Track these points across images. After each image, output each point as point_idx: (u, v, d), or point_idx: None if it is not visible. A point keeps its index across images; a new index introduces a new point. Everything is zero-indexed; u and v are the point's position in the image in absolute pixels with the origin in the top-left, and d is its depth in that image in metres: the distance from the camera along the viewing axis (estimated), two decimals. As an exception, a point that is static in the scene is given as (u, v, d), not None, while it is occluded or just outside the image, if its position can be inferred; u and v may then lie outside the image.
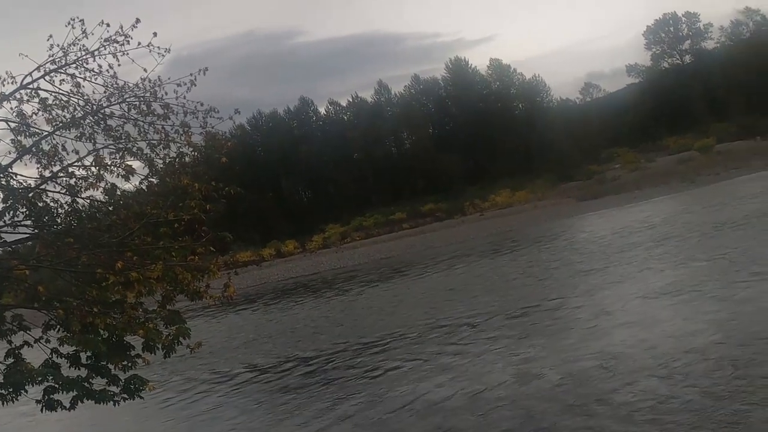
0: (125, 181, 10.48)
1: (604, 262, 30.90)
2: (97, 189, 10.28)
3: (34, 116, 10.41)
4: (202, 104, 10.67)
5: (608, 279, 26.70)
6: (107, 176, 10.27)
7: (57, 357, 10.05)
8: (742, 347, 14.34)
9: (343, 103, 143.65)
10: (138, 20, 10.21)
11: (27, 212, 10.44)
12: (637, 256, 30.36)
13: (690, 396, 12.50)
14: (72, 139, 10.49)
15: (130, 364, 10.19)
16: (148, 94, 10.50)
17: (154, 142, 10.65)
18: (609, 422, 12.35)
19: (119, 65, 10.37)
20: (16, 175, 10.31)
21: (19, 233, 10.63)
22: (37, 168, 10.46)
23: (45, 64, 10.27)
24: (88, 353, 9.92)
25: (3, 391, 9.59)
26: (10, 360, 9.78)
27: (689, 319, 17.73)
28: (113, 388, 10.35)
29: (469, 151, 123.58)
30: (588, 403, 13.40)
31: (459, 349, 20.50)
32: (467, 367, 18.31)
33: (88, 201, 10.70)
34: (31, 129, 10.40)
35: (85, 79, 10.36)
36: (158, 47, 10.28)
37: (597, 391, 13.96)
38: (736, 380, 12.67)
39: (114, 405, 10.37)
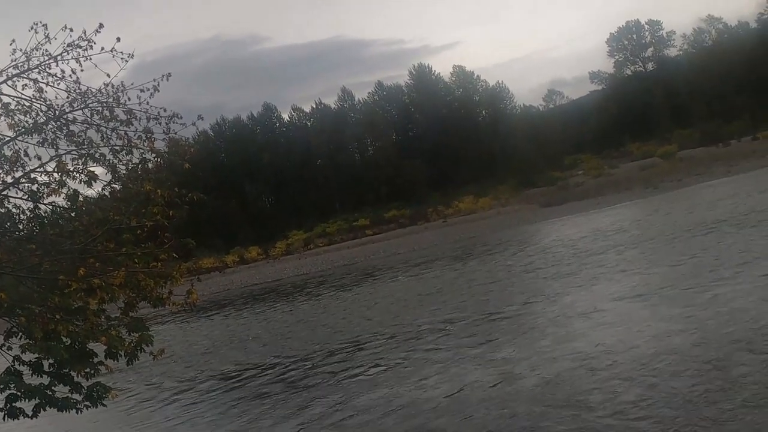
0: (88, 187, 10.39)
1: (571, 266, 31.06)
2: (60, 195, 10.23)
3: (-5, 121, 10.33)
4: (165, 110, 10.63)
5: (577, 282, 26.80)
6: (69, 182, 10.21)
7: (19, 364, 9.97)
8: (717, 348, 14.51)
9: (307, 110, 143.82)
10: (101, 25, 10.17)
11: (-12, 218, 10.37)
12: (605, 260, 30.54)
13: (669, 396, 12.66)
14: (34, 144, 10.42)
15: (92, 372, 10.13)
16: (111, 100, 10.45)
17: (117, 147, 10.59)
18: (591, 421, 12.43)
19: (82, 70, 10.32)
20: (-23, 180, 10.22)
21: (-20, 240, 10.55)
22: (-1, 173, 10.39)
23: (7, 69, 10.19)
24: (51, 360, 9.87)
25: (-36, 399, 9.51)
26: (-28, 368, 9.72)
27: (663, 320, 17.89)
28: (76, 396, 10.28)
29: (432, 157, 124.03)
30: (568, 404, 13.51)
31: (433, 351, 20.51)
32: (444, 369, 18.30)
33: (51, 207, 10.64)
34: (-7, 134, 10.32)
35: (47, 84, 10.30)
36: (121, 52, 10.24)
37: (575, 392, 14.05)
38: (716, 381, 12.84)
39: (77, 413, 10.29)
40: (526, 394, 14.70)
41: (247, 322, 38.00)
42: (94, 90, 10.49)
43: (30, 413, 9.96)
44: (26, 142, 10.41)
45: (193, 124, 11.03)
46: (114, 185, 11.04)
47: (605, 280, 25.99)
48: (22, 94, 10.31)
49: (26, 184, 10.34)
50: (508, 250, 43.89)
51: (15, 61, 10.19)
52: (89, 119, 10.52)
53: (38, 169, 10.35)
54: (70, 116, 10.52)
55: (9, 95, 10.27)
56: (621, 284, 24.27)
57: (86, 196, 10.77)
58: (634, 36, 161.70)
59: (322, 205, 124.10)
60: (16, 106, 10.29)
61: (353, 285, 44.06)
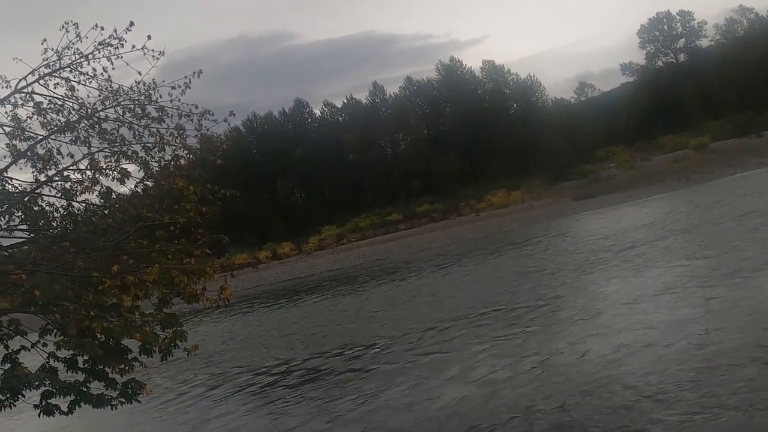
0: (120, 184, 10.46)
1: (604, 260, 30.87)
2: (93, 192, 10.27)
3: (28, 120, 10.39)
4: (196, 107, 10.68)
5: (609, 276, 26.71)
6: (102, 180, 10.27)
7: (54, 361, 10.06)
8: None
9: (338, 105, 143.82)
10: (132, 23, 10.21)
11: (23, 216, 10.47)
12: (638, 254, 30.23)
13: (688, 393, 12.55)
14: (67, 142, 10.49)
15: (127, 368, 10.21)
16: (142, 97, 10.51)
17: (149, 145, 10.65)
18: (606, 420, 12.34)
19: (113, 68, 10.37)
20: (11, 179, 10.30)
21: (15, 237, 10.65)
22: (33, 172, 10.47)
23: (39, 68, 10.27)
24: (85, 357, 9.92)
25: (1, 396, 9.58)
26: (7, 365, 9.79)
27: (696, 317, 17.69)
28: (111, 392, 10.37)
29: (464, 151, 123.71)
30: (583, 401, 13.50)
31: (462, 347, 20.53)
32: (468, 365, 18.28)
33: (84, 205, 10.71)
34: (26, 133, 10.38)
35: (79, 82, 10.36)
36: (152, 50, 10.30)
37: (595, 387, 13.99)
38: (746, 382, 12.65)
39: (111, 409, 10.36)
40: (541, 391, 14.77)
41: (281, 317, 38.16)
42: (125, 88, 10.57)
43: (66, 410, 10.05)
44: (59, 140, 10.49)
45: (225, 120, 11.07)
46: (147, 182, 11.13)
47: (644, 272, 25.83)
48: (54, 92, 10.40)
49: (59, 182, 10.42)
50: (539, 245, 43.78)
51: (47, 60, 10.26)
52: (121, 117, 10.59)
53: (71, 167, 10.43)
54: (102, 114, 10.60)
55: (42, 94, 10.36)
56: (662, 277, 24.00)
57: (119, 194, 10.85)
58: (665, 27, 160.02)
59: (354, 200, 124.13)
60: (48, 104, 10.38)
61: (384, 280, 44.13)
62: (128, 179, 10.49)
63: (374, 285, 42.95)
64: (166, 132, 10.65)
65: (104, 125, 10.56)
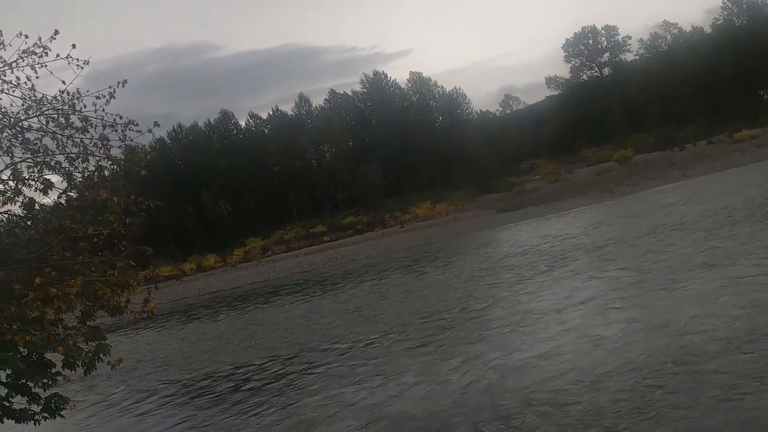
0: (43, 195, 10.31)
1: (526, 271, 31.22)
2: (15, 203, 10.11)
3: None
4: (121, 117, 10.58)
5: (530, 288, 26.88)
6: (25, 190, 10.12)
7: (-25, 376, 9.88)
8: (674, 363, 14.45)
9: (264, 116, 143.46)
10: (57, 32, 10.10)
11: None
12: (561, 265, 30.73)
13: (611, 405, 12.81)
14: (-11, 153, 10.31)
15: (50, 382, 10.06)
16: (66, 107, 10.38)
17: (73, 155, 10.52)
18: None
19: (37, 77, 10.24)
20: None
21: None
22: (-46, 183, 10.25)
23: (-40, 77, 10.08)
24: (8, 371, 9.76)
25: None
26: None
27: (619, 324, 18.11)
28: (34, 407, 10.21)
29: (389, 163, 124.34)
30: (510, 409, 13.72)
31: (381, 359, 20.66)
32: (384, 377, 18.47)
33: (6, 216, 10.54)
34: (-52, 143, 10.19)
35: (2, 91, 10.20)
36: (77, 59, 10.18)
37: (517, 398, 14.24)
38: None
39: (35, 424, 10.23)
40: (464, 401, 14.99)
41: (204, 329, 37.88)
42: (49, 97, 10.43)
43: (-13, 425, 9.87)
44: (-20, 150, 10.30)
45: (150, 131, 10.96)
46: (70, 193, 10.96)
47: (561, 285, 26.15)
48: (-25, 102, 10.22)
49: (-19, 193, 10.22)
50: (463, 256, 44.22)
51: (-32, 68, 10.08)
52: (45, 127, 10.44)
53: (-7, 178, 10.24)
54: (26, 124, 10.43)
55: (-37, 104, 10.17)
56: (579, 289, 24.35)
57: (42, 205, 10.69)
58: (591, 41, 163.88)
59: (279, 212, 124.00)
60: (-31, 114, 10.19)
61: (308, 292, 44.09)
62: (51, 190, 10.36)
63: (296, 298, 42.82)
64: (90, 142, 10.53)
65: (27, 135, 10.40)
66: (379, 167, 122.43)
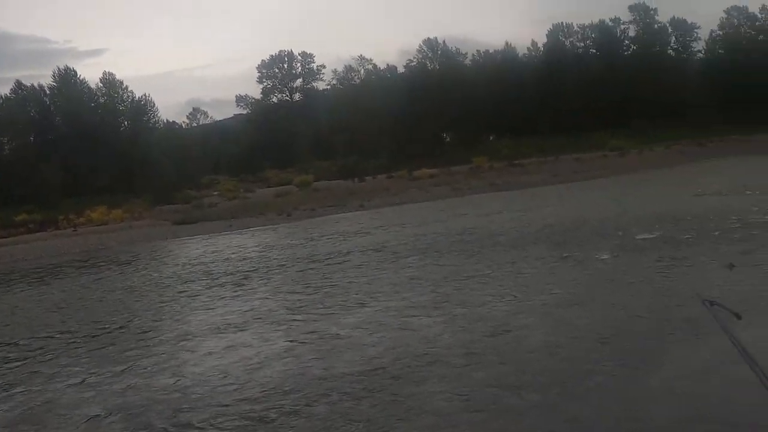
0: None
1: (191, 288, 32.98)
2: None
3: None
4: None
5: (196, 305, 28.40)
6: None
7: None
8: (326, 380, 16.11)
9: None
10: None
11: None
12: (226, 284, 32.69)
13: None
14: None
15: None
16: None
17: None
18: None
19: None
20: None
21: None
22: None
23: None
24: None
25: None
26: None
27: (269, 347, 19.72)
28: None
29: (70, 163, 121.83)
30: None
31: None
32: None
33: None
34: None
35: None
36: None
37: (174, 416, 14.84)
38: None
39: None
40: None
41: None
42: None
43: None
44: None
45: None
46: None
47: (218, 305, 27.68)
48: None
49: None
50: (132, 266, 45.57)
51: None
52: None
53: None
54: None
55: None
56: (235, 311, 25.88)
57: None
58: (286, 65, 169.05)
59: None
60: None
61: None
62: None
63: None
64: None
65: None
66: (60, 166, 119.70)
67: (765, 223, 33.50)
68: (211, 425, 13.83)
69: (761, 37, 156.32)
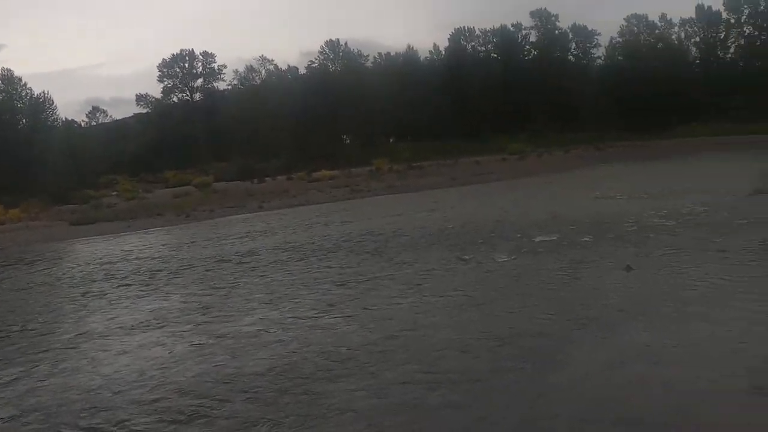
0: None
1: (90, 290, 32.25)
2: None
3: None
4: None
5: (103, 304, 27.97)
6: None
7: None
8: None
9: None
10: None
11: None
12: (126, 285, 32.17)
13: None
14: None
15: None
16: None
17: None
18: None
19: None
20: None
21: None
22: None
23: None
24: None
25: None
26: None
27: (177, 349, 19.61)
28: None
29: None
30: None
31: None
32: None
33: None
34: None
35: None
36: None
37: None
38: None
39: None
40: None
41: None
42: None
43: None
44: None
45: None
46: None
47: (122, 305, 27.33)
48: None
49: None
50: (29, 267, 44.31)
51: None
52: None
53: None
54: None
55: None
56: (140, 311, 25.61)
57: None
58: (186, 65, 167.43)
59: None
60: None
61: None
62: None
63: None
64: None
65: None
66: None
67: (660, 225, 34.88)
68: (130, 423, 13.76)
69: (660, 44, 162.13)
